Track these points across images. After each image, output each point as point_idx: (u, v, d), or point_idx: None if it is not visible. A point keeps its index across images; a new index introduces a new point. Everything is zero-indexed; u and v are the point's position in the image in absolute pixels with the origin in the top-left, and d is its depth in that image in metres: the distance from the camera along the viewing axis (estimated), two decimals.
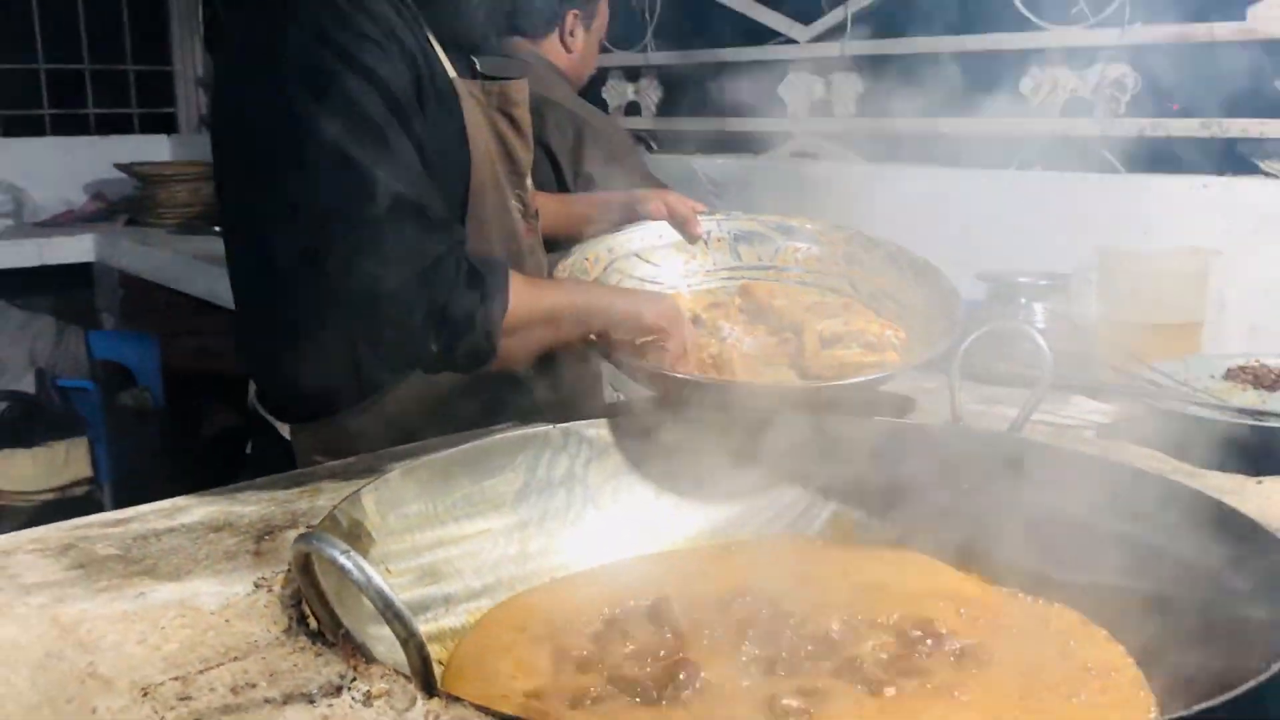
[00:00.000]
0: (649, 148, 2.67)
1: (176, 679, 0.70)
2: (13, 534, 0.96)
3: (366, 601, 0.62)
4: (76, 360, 3.46)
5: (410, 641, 0.62)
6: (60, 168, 4.12)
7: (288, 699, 0.67)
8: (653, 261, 1.44)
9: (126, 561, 0.90)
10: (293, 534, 0.95)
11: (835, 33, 2.21)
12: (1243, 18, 1.64)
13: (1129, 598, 0.87)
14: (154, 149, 4.35)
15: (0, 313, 3.46)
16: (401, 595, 0.83)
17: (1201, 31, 1.67)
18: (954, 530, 1.01)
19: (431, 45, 1.26)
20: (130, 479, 3.31)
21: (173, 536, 0.96)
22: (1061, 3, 1.84)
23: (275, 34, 1.16)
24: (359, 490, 0.90)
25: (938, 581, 0.98)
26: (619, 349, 1.24)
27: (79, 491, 3.24)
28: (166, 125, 4.50)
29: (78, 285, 3.83)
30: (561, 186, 1.93)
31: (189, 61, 4.45)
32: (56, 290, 3.79)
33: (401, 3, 1.25)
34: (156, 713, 0.66)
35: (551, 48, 2.10)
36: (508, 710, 0.68)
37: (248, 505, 1.03)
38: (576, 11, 2.09)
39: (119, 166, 3.93)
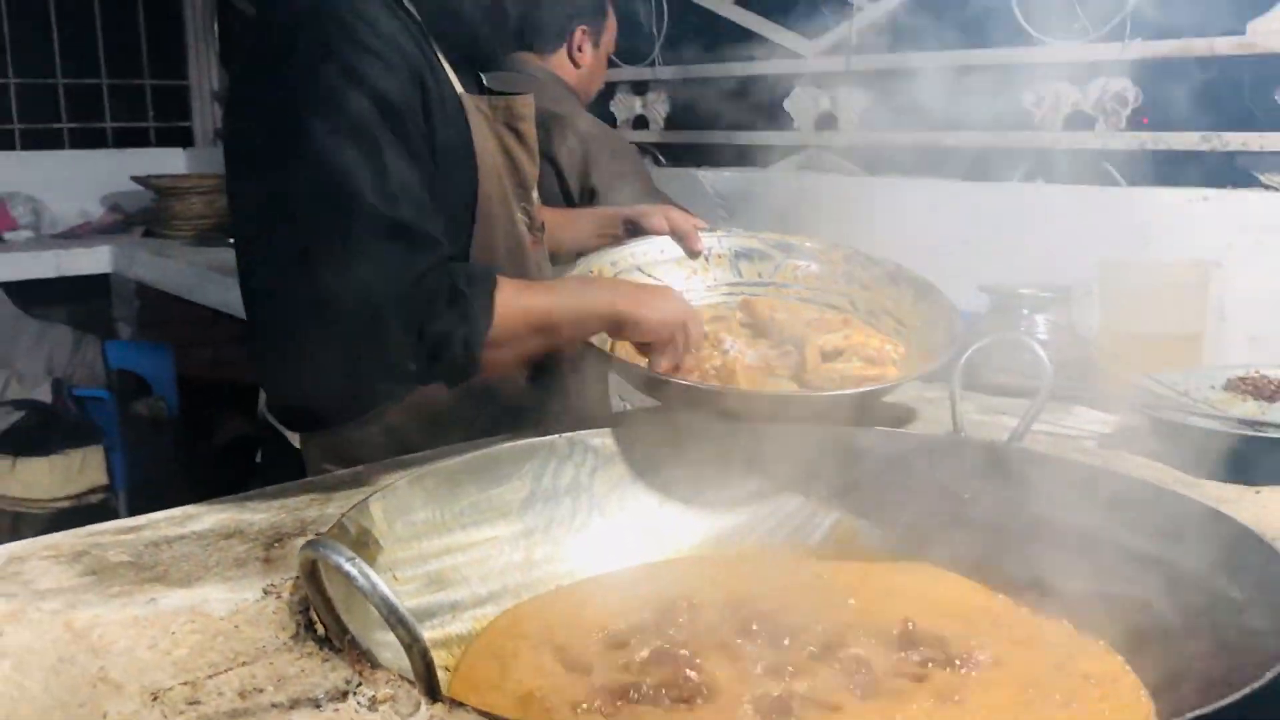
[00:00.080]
0: (656, 161, 2.68)
1: (186, 683, 0.71)
2: (28, 540, 0.97)
3: (373, 608, 0.63)
4: (93, 370, 3.49)
5: (414, 647, 0.63)
6: (78, 180, 4.16)
7: (294, 704, 0.68)
8: (655, 276, 1.45)
9: (138, 568, 0.91)
10: (302, 541, 0.95)
11: (840, 48, 2.22)
12: (1242, 32, 1.65)
13: (1128, 606, 0.87)
14: (170, 162, 4.39)
15: (18, 323, 3.48)
16: (409, 602, 0.85)
17: (1201, 46, 1.69)
18: (955, 539, 1.02)
19: (439, 61, 1.28)
20: (145, 487, 3.34)
21: (184, 544, 0.96)
22: (1063, 18, 1.85)
23: (282, 47, 1.17)
24: (367, 498, 0.91)
25: (939, 590, 0.99)
26: (622, 350, 1.25)
27: (94, 499, 3.26)
28: (183, 139, 4.54)
29: (95, 296, 3.87)
30: (567, 200, 1.94)
31: (205, 76, 4.49)
32: (74, 301, 3.83)
33: (410, 19, 1.27)
34: (165, 717, 0.67)
35: (559, 63, 2.11)
36: (512, 716, 0.69)
37: (258, 513, 1.04)
38: (585, 27, 2.11)
39: (136, 179, 3.97)
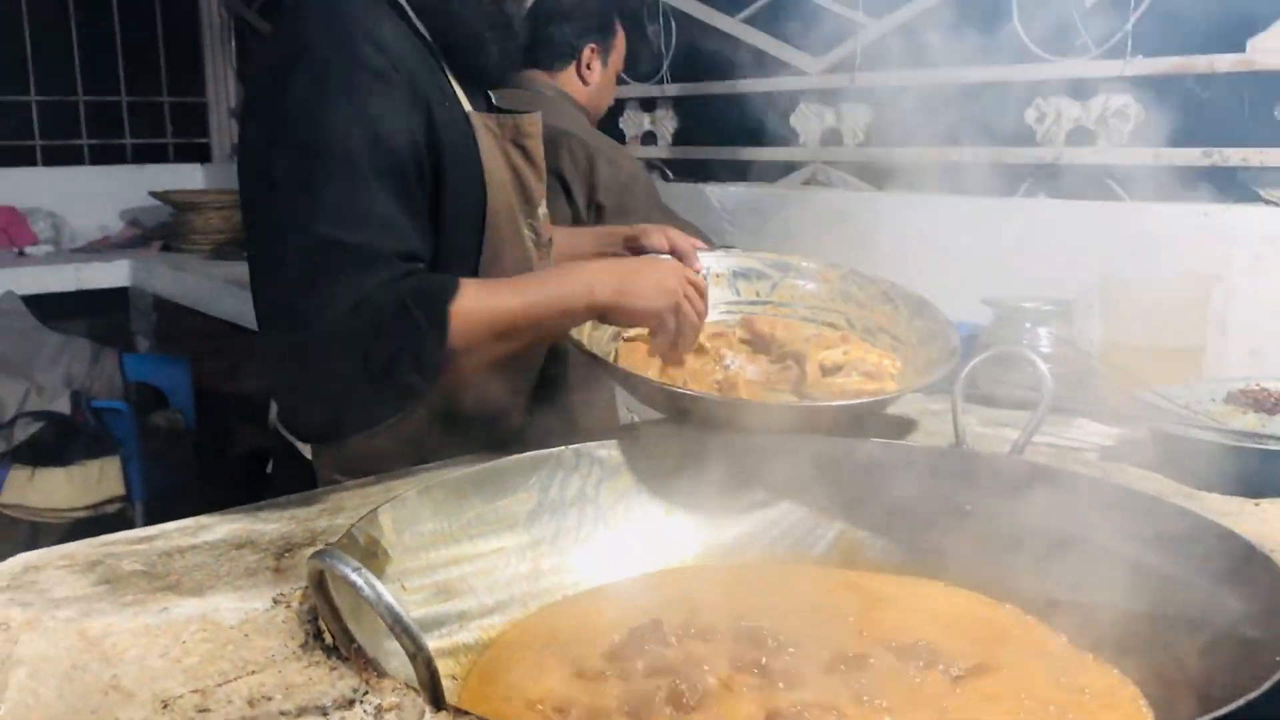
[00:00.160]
0: (664, 176, 2.70)
1: (196, 691, 0.72)
2: (44, 550, 0.98)
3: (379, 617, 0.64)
4: (111, 382, 3.51)
5: (419, 656, 0.63)
6: (98, 196, 4.21)
7: (302, 711, 0.69)
8: None
9: (151, 577, 0.92)
10: (311, 551, 0.97)
11: (844, 65, 2.24)
12: (1242, 49, 1.66)
13: (1128, 618, 0.88)
14: (188, 177, 4.43)
15: (38, 336, 3.51)
16: (417, 611, 0.87)
17: (1202, 63, 1.70)
18: (956, 551, 1.02)
19: (449, 81, 1.30)
20: (161, 498, 3.35)
21: (196, 553, 0.97)
22: (1065, 35, 1.86)
23: (285, 66, 1.18)
24: (376, 509, 0.91)
25: (940, 602, 1.00)
26: (625, 360, 1.25)
27: (111, 509, 3.27)
28: (200, 154, 4.58)
29: (113, 309, 3.90)
30: (575, 216, 1.96)
31: (222, 93, 4.53)
32: (93, 314, 3.84)
33: (420, 40, 1.29)
34: None
35: (569, 80, 2.13)
36: None
37: (269, 523, 1.05)
38: (594, 45, 2.13)
39: (154, 194, 4.01)
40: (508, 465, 1.05)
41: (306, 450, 1.40)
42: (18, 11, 4.03)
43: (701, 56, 2.51)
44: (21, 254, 3.90)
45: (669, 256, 1.50)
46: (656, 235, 1.52)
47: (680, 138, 2.67)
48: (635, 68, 2.62)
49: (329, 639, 0.77)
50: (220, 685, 0.73)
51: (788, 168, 2.41)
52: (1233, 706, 0.62)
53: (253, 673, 0.75)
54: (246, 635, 0.81)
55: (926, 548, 1.05)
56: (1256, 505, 1.12)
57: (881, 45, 2.16)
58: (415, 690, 0.67)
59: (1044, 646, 0.91)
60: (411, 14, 1.28)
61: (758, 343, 1.38)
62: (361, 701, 0.70)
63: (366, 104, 1.15)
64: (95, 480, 3.24)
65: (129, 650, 0.78)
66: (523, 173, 1.37)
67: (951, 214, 2.00)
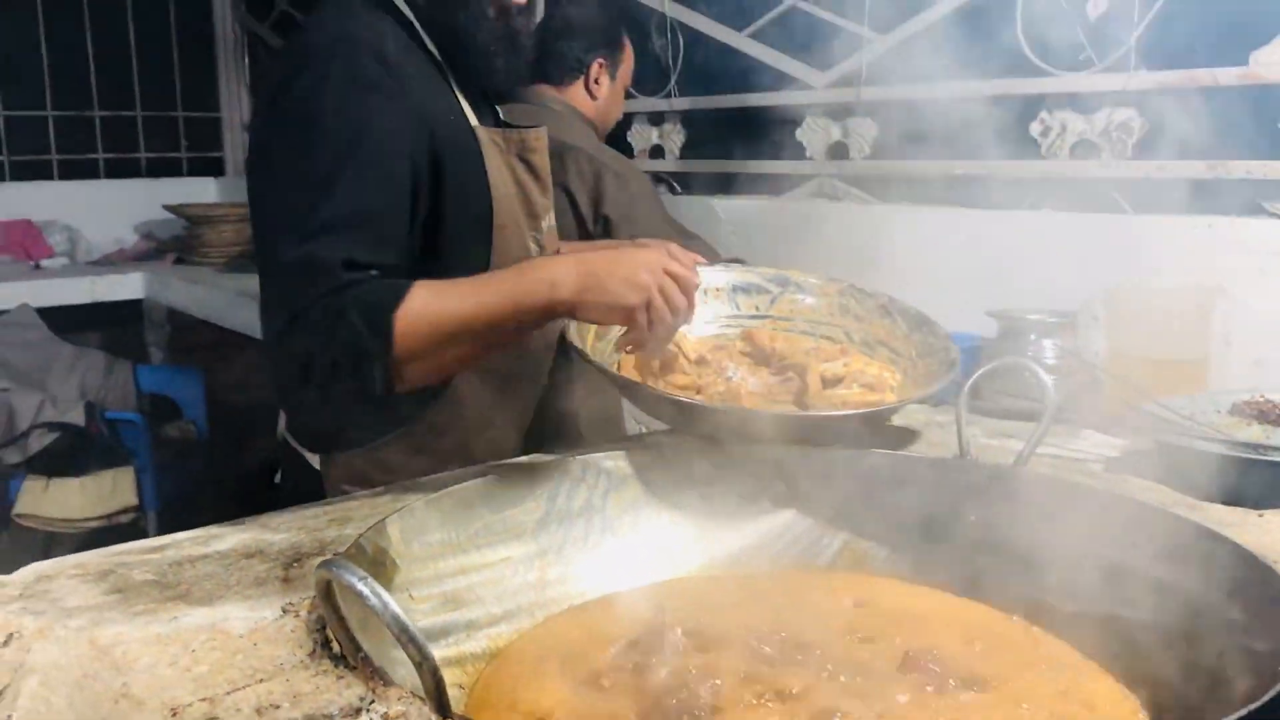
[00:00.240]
0: (672, 189, 2.72)
1: (204, 700, 0.72)
2: (56, 560, 0.98)
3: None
4: (125, 393, 3.54)
5: (424, 665, 0.64)
6: (113, 209, 4.24)
7: (309, 719, 0.70)
8: None
9: (162, 586, 0.92)
10: (320, 561, 0.98)
11: (850, 79, 2.25)
12: (1245, 63, 1.67)
13: (1131, 629, 0.88)
14: (202, 191, 4.46)
15: (53, 347, 3.54)
16: (424, 621, 0.88)
17: (1205, 77, 1.70)
18: (961, 561, 1.03)
19: (456, 97, 1.32)
20: (174, 508, 3.37)
21: (206, 563, 0.98)
22: (1069, 50, 1.86)
23: (289, 74, 1.20)
24: (385, 519, 0.92)
25: (944, 612, 1.00)
26: (628, 370, 1.25)
27: (125, 520, 3.29)
28: (214, 168, 4.61)
29: (127, 321, 3.91)
30: (582, 230, 1.97)
31: (235, 107, 4.56)
32: (107, 326, 3.87)
33: (427, 56, 1.31)
34: None
35: (577, 94, 2.15)
36: None
37: (278, 533, 1.06)
38: (602, 60, 2.15)
39: (168, 208, 4.03)
40: (515, 476, 1.06)
41: (314, 460, 1.42)
42: (35, 29, 4.08)
43: (709, 71, 2.53)
44: (37, 267, 3.93)
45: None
46: (657, 250, 1.53)
47: (688, 151, 2.69)
48: (643, 82, 2.64)
49: (336, 648, 0.78)
50: (229, 694, 0.74)
51: (794, 181, 2.42)
52: (1235, 717, 0.62)
53: (261, 681, 0.75)
54: (255, 644, 0.81)
55: (931, 558, 1.05)
56: (1260, 516, 1.12)
57: (887, 60, 2.16)
58: (421, 699, 0.67)
59: (1048, 657, 0.91)
60: (420, 30, 1.30)
61: (758, 355, 1.39)
62: (368, 710, 0.70)
63: (356, 115, 1.15)
64: (109, 491, 3.27)
65: (139, 659, 0.79)
66: (527, 186, 1.39)
67: (957, 227, 2.01)
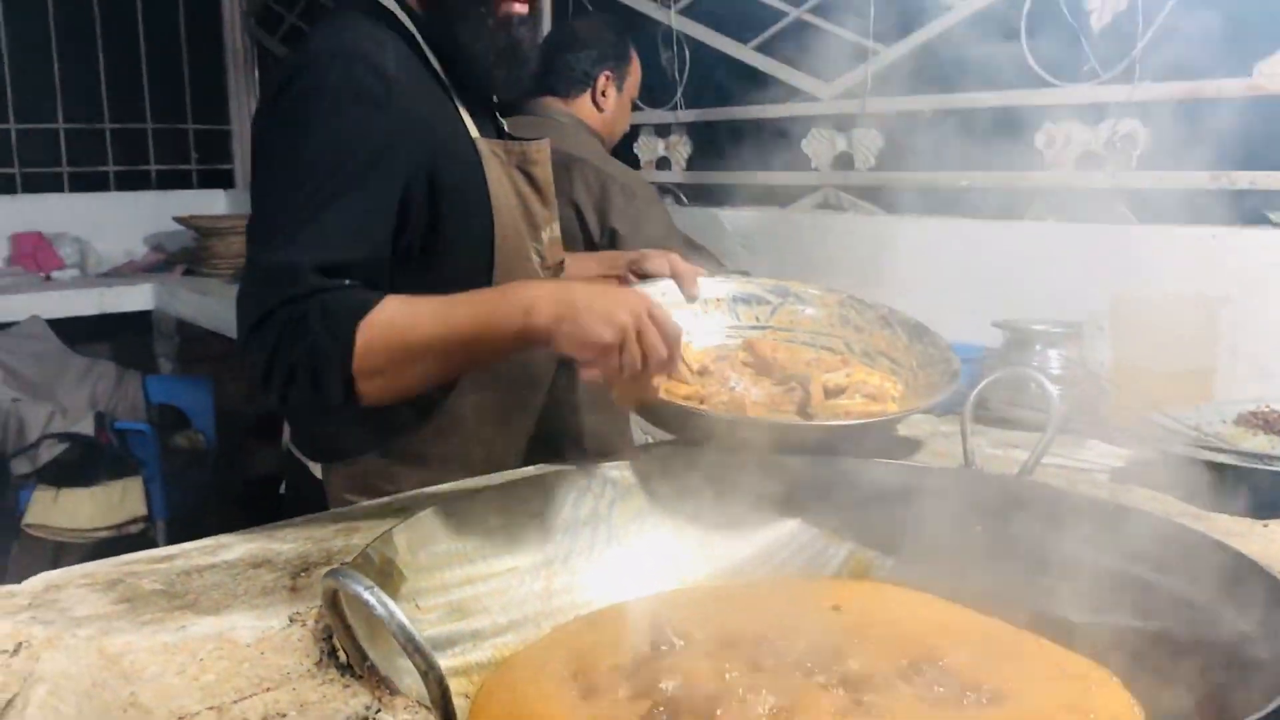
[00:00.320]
0: (678, 201, 2.73)
1: (212, 708, 0.73)
2: (65, 569, 0.99)
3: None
4: (134, 404, 3.55)
5: (430, 674, 0.64)
6: (123, 221, 4.27)
7: None
8: None
9: (170, 596, 0.93)
10: (326, 571, 0.98)
11: (856, 91, 2.26)
12: (1249, 74, 1.67)
13: (1137, 639, 0.88)
14: (211, 203, 4.49)
15: (63, 358, 3.56)
16: (431, 630, 0.88)
17: (1209, 88, 1.71)
18: (966, 572, 1.03)
19: (457, 109, 1.32)
20: (183, 517, 3.38)
21: (214, 573, 0.98)
22: (1073, 61, 1.87)
23: (286, 80, 1.20)
24: (391, 529, 0.92)
25: (950, 622, 1.00)
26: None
27: (134, 529, 3.30)
28: (224, 180, 4.64)
29: (137, 332, 3.94)
30: (589, 241, 1.98)
31: (245, 120, 4.58)
32: (117, 337, 3.90)
33: (427, 69, 1.32)
34: None
35: (584, 107, 2.16)
36: None
37: (285, 543, 1.06)
38: (609, 73, 2.16)
39: (178, 219, 4.06)
40: (521, 486, 1.06)
41: (317, 470, 1.42)
42: (47, 42, 4.12)
43: (715, 83, 2.54)
44: (48, 278, 3.96)
45: (668, 279, 1.51)
46: (658, 259, 1.54)
47: (694, 163, 2.70)
48: (650, 94, 2.65)
49: (343, 657, 0.78)
50: (236, 702, 0.74)
51: (800, 192, 2.43)
52: None
53: (268, 690, 0.76)
54: (262, 653, 0.82)
55: (936, 568, 1.05)
56: (1265, 526, 1.12)
57: (892, 71, 2.17)
58: (427, 708, 0.67)
59: (1054, 667, 0.91)
60: (422, 42, 1.31)
61: (760, 365, 1.40)
62: (374, 719, 0.71)
63: (345, 125, 1.16)
64: (118, 500, 3.28)
65: (147, 668, 0.79)
66: (528, 198, 1.39)
67: (962, 237, 2.02)
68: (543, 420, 1.45)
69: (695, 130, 2.68)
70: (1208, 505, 1.16)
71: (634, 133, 2.72)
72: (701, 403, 1.29)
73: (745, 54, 2.48)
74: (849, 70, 2.26)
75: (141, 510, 3.33)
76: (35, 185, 4.16)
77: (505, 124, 1.49)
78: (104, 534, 3.24)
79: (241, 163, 4.67)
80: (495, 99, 1.46)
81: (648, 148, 2.79)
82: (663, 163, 2.77)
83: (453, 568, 0.96)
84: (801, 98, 2.37)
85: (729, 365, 1.37)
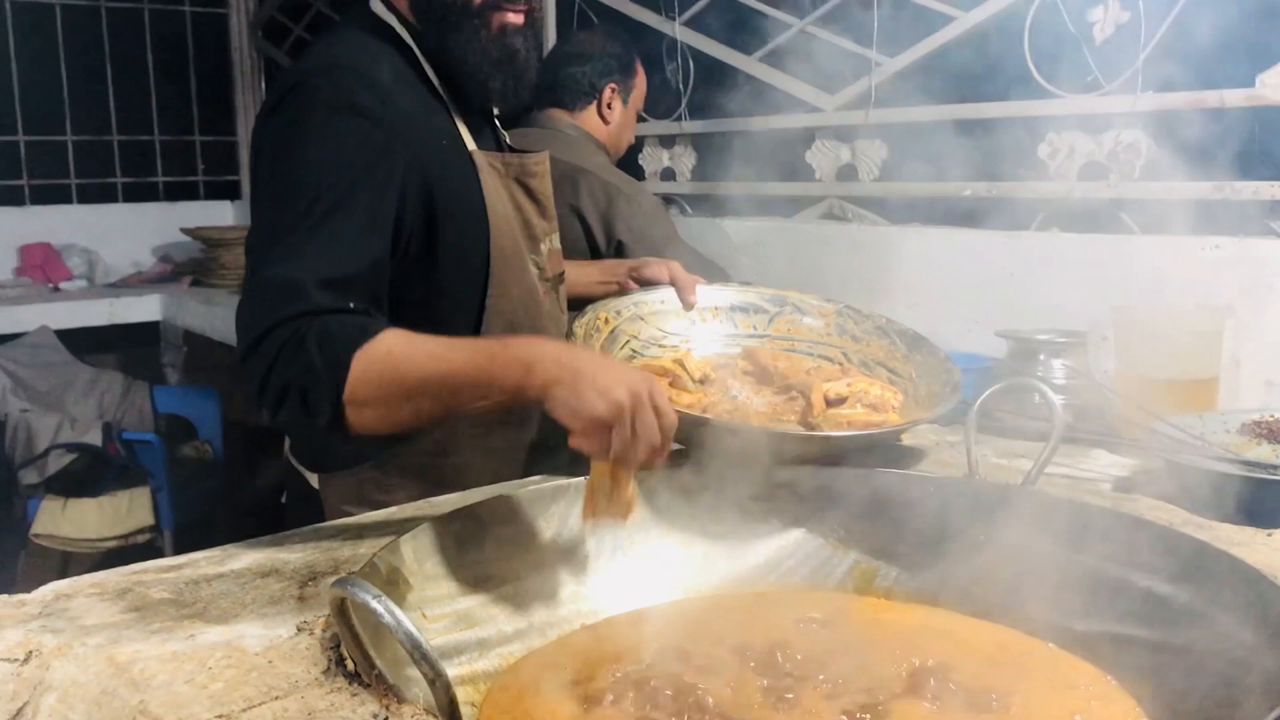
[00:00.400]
0: (683, 211, 2.73)
1: (220, 717, 0.73)
2: (74, 578, 1.00)
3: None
4: (141, 414, 3.57)
5: (437, 682, 0.65)
6: (131, 232, 4.28)
7: None
8: (656, 325, 1.50)
9: (179, 605, 0.94)
10: (334, 580, 0.98)
11: (859, 102, 2.27)
12: (1252, 85, 1.68)
13: (1141, 648, 0.89)
14: (218, 214, 4.51)
15: (72, 369, 3.58)
16: (437, 639, 0.88)
17: (1212, 99, 1.71)
18: (970, 581, 1.03)
19: (454, 122, 1.32)
20: (190, 527, 3.39)
21: (222, 582, 0.99)
22: (1077, 72, 1.87)
23: (282, 91, 1.21)
24: (398, 538, 0.93)
25: (954, 631, 1.00)
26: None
27: (142, 539, 3.31)
28: (231, 192, 4.65)
29: (145, 343, 3.96)
30: (595, 253, 1.99)
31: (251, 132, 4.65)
32: (125, 347, 3.91)
33: (424, 82, 1.33)
34: None
35: (589, 119, 2.17)
36: None
37: (293, 552, 1.07)
38: (614, 85, 2.17)
39: (185, 231, 4.07)
40: (526, 495, 1.06)
41: (314, 480, 1.43)
42: (55, 56, 4.14)
43: (719, 94, 2.54)
44: (56, 289, 3.98)
45: (668, 287, 1.51)
46: (658, 266, 1.54)
47: (698, 174, 2.70)
48: (655, 106, 2.67)
49: (351, 665, 0.79)
50: (244, 710, 0.74)
51: (804, 203, 2.43)
52: None
53: (276, 698, 0.76)
54: (270, 662, 0.82)
55: (941, 577, 1.06)
56: (1269, 536, 1.12)
57: (896, 82, 2.18)
58: (434, 716, 0.68)
59: (1058, 676, 0.92)
60: (420, 55, 1.32)
61: (760, 374, 1.40)
62: None
63: (337, 138, 1.16)
64: (126, 510, 3.29)
65: (156, 676, 0.80)
66: (526, 210, 1.39)
67: (966, 248, 2.02)
68: (542, 429, 1.45)
69: (699, 141, 2.69)
70: (1211, 515, 1.16)
71: (639, 144, 2.73)
72: (704, 412, 1.29)
73: (749, 65, 2.49)
74: (853, 81, 2.26)
75: (149, 520, 3.34)
76: (44, 197, 4.18)
77: (507, 136, 1.49)
78: (112, 544, 3.25)
79: (248, 174, 4.69)
80: (495, 111, 1.46)
81: (652, 159, 2.80)
82: (667, 173, 2.78)
83: (459, 577, 0.97)
84: (805, 109, 2.37)
85: (729, 374, 1.38)
